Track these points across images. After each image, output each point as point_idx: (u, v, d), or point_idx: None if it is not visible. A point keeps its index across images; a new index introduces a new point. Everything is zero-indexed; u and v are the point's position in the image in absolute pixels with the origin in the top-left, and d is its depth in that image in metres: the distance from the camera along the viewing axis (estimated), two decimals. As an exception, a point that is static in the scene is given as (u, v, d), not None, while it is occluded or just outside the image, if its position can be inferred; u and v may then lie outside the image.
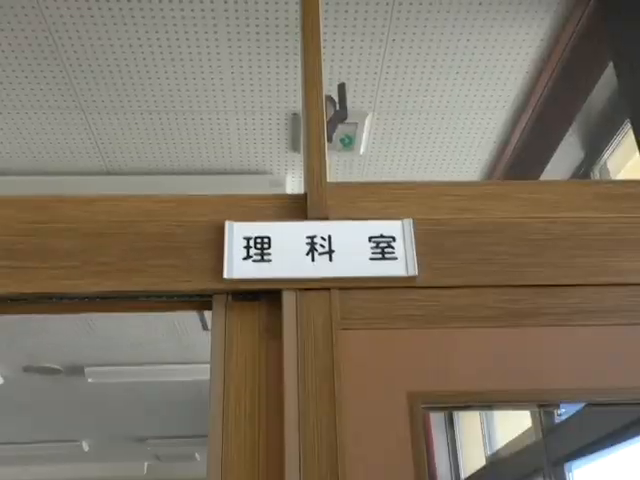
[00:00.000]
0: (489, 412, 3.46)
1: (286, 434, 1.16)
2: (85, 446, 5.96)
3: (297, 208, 1.33)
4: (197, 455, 6.57)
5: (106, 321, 3.84)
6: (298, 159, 2.88)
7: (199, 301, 1.29)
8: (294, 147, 2.82)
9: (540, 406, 1.29)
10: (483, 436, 3.50)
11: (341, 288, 1.25)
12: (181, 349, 4.26)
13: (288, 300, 1.25)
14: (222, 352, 1.25)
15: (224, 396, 1.21)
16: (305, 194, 1.35)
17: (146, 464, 6.78)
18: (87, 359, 4.33)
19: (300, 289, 1.24)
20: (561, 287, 1.29)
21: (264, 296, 1.27)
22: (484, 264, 1.30)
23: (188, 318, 3.94)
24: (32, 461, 6.43)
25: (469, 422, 3.80)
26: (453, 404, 1.20)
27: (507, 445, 3.23)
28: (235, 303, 1.27)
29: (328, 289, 1.25)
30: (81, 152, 2.76)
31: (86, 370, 4.42)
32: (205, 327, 4.07)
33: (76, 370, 4.46)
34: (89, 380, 4.50)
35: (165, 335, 4.07)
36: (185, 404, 5.19)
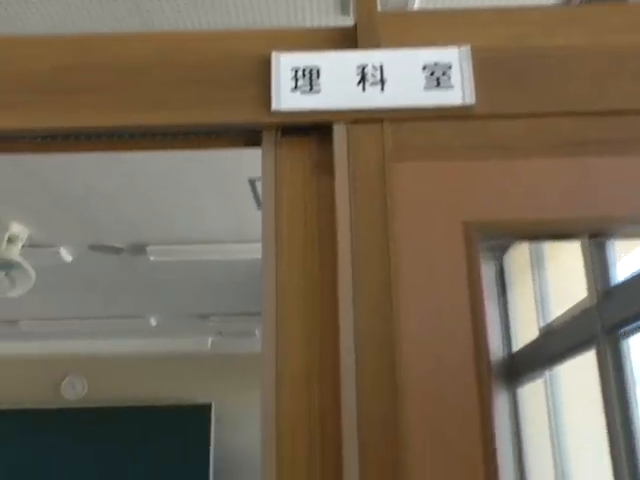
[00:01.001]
0: (544, 280, 3.43)
1: (340, 269, 1.16)
2: (152, 322, 6.28)
3: (347, 39, 1.27)
4: (257, 332, 6.85)
5: (166, 198, 3.92)
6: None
7: (248, 138, 1.27)
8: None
9: (594, 236, 1.25)
10: (536, 303, 3.48)
11: (394, 119, 1.20)
12: (238, 228, 4.35)
13: (339, 133, 1.21)
14: (272, 190, 1.23)
15: (276, 235, 1.21)
16: (355, 25, 1.28)
17: (210, 339, 7.14)
18: (148, 238, 4.48)
19: (351, 121, 1.20)
20: (629, 116, 1.21)
21: (314, 131, 1.24)
22: (545, 92, 1.22)
23: (244, 197, 3.98)
24: (103, 335, 6.86)
25: (522, 289, 3.79)
26: (510, 233, 1.17)
27: (561, 316, 3.22)
28: (284, 139, 1.25)
29: (380, 121, 1.20)
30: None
31: (148, 249, 4.58)
32: (259, 205, 4.11)
33: (138, 249, 4.62)
34: (151, 258, 4.67)
35: (222, 214, 4.14)
36: (245, 282, 5.36)
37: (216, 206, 4.06)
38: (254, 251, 4.57)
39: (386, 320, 1.13)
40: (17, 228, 4.22)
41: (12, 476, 7.29)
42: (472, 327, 1.11)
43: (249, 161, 3.46)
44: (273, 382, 1.17)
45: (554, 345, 3.49)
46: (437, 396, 1.09)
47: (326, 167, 1.23)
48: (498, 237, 1.27)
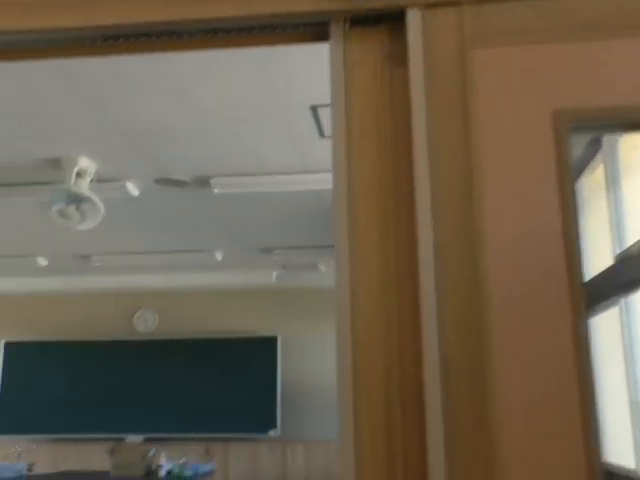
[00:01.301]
0: (619, 203, 3.25)
1: (416, 167, 1.08)
2: (218, 256, 6.38)
3: None
4: (321, 266, 6.87)
5: (229, 131, 3.88)
6: None
7: (315, 32, 1.18)
8: None
9: None
10: (610, 229, 3.33)
11: (472, 1, 1.10)
12: (302, 159, 4.28)
13: (412, 20, 1.11)
14: (342, 87, 1.16)
15: (347, 135, 1.14)
16: None
17: (274, 273, 7.22)
18: (212, 171, 4.48)
19: (426, 6, 1.10)
20: None
21: (385, 19, 1.14)
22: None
23: (307, 126, 3.90)
24: (172, 270, 7.03)
25: (595, 214, 3.62)
26: (605, 122, 1.06)
27: (638, 242, 3.06)
28: (354, 30, 1.16)
29: (458, 3, 1.10)
30: None
31: (212, 181, 4.58)
32: (322, 134, 4.02)
33: (202, 182, 4.63)
34: (215, 191, 4.68)
35: (286, 145, 4.08)
36: (309, 214, 5.33)
37: (279, 136, 4.00)
38: (318, 182, 4.52)
39: (467, 226, 1.05)
40: (85, 163, 4.28)
41: (86, 403, 7.70)
42: (562, 232, 1.02)
43: (311, 88, 3.37)
44: (348, 310, 1.08)
45: (630, 272, 3.33)
46: (524, 304, 1.02)
47: (399, 58, 1.14)
48: (591, 128, 1.16)
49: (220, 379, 7.66)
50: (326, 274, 7.27)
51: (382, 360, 1.05)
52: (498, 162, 1.06)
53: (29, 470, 6.68)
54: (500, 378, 0.99)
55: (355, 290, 1.08)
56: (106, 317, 8.08)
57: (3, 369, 7.85)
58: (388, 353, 1.06)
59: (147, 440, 7.29)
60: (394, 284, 1.08)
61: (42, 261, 6.54)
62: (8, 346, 7.92)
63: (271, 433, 7.45)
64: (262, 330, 7.82)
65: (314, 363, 7.81)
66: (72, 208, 4.30)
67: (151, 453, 6.58)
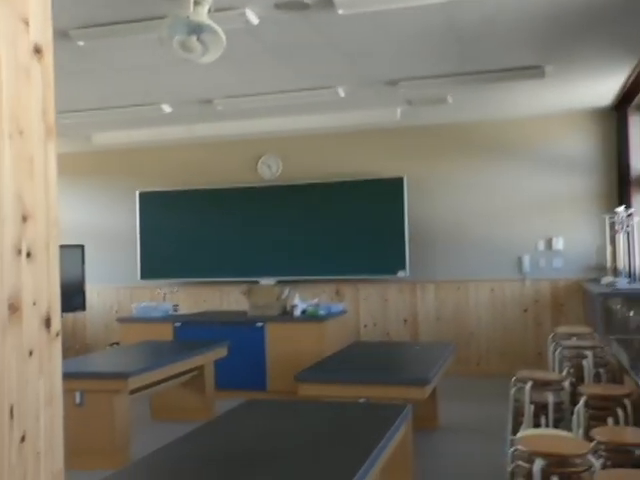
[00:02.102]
0: None
1: None
2: (341, 92, 6.09)
3: None
4: (449, 98, 6.43)
5: None
6: None
7: None
8: None
9: None
10: None
11: None
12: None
13: None
14: None
15: None
16: None
17: (399, 110, 6.87)
18: (334, -10, 4.10)
19: None
20: None
21: None
22: None
23: None
24: (295, 111, 6.85)
25: None
26: None
27: None
28: None
29: None
30: None
31: (336, 1, 4.22)
32: None
33: (326, 3, 4.28)
34: (339, 12, 4.32)
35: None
36: (436, 39, 4.88)
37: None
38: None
39: None
40: (202, -10, 4.03)
41: (220, 249, 7.99)
42: None
43: None
44: None
45: None
46: None
47: None
48: None
49: (347, 222, 7.65)
50: (455, 107, 6.83)
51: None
52: None
53: (175, 310, 7.13)
54: None
55: None
56: (231, 165, 8.16)
57: (140, 219, 8.24)
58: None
59: (279, 283, 7.54)
60: None
61: (166, 108, 6.54)
62: (142, 196, 8.26)
63: (400, 274, 7.47)
64: (388, 171, 7.63)
65: (442, 203, 7.59)
66: (193, 39, 4.12)
67: (285, 294, 6.80)
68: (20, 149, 1.10)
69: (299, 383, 4.14)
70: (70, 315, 8.44)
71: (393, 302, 7.67)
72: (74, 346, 8.55)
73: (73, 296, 7.93)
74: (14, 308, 1.07)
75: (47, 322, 1.15)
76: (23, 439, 1.07)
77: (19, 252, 1.09)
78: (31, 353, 1.10)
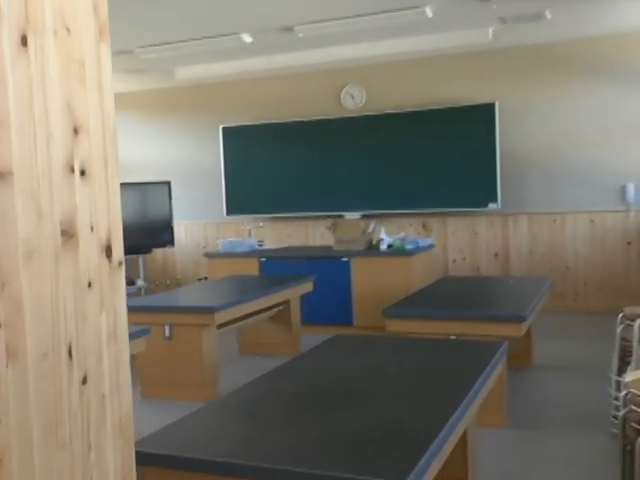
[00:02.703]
0: None
1: None
2: (428, 12, 5.67)
3: None
4: (547, 13, 5.88)
5: None
6: None
7: None
8: None
9: None
10: None
11: None
12: None
13: None
14: None
15: None
16: None
17: (490, 30, 6.37)
18: None
19: None
20: None
21: None
22: None
23: None
24: (379, 36, 6.48)
25: None
26: None
27: None
28: None
29: None
30: None
31: None
32: None
33: None
34: None
35: None
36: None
37: None
38: None
39: None
40: None
41: (303, 183, 7.85)
42: None
43: None
44: None
45: None
46: None
47: None
48: None
49: (435, 153, 7.31)
50: (554, 23, 6.25)
51: None
52: None
53: (260, 245, 7.10)
54: None
55: None
56: (314, 96, 7.91)
57: (224, 155, 8.20)
58: None
59: (365, 217, 7.34)
60: None
61: (247, 38, 6.33)
62: (226, 131, 8.18)
63: (491, 206, 7.11)
64: (478, 97, 7.17)
65: (536, 129, 7.10)
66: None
67: (371, 228, 6.61)
68: (68, 50, 0.95)
69: (387, 319, 4.00)
70: (159, 251, 8.62)
71: (483, 236, 7.34)
72: (165, 281, 8.76)
73: (162, 232, 8.06)
74: (68, 234, 0.94)
75: (108, 250, 1.02)
76: (85, 381, 0.96)
77: (71, 169, 0.95)
78: (90, 285, 0.98)
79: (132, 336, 3.64)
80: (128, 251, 8.17)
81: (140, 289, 8.16)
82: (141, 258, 8.25)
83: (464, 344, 3.17)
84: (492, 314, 3.81)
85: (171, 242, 8.10)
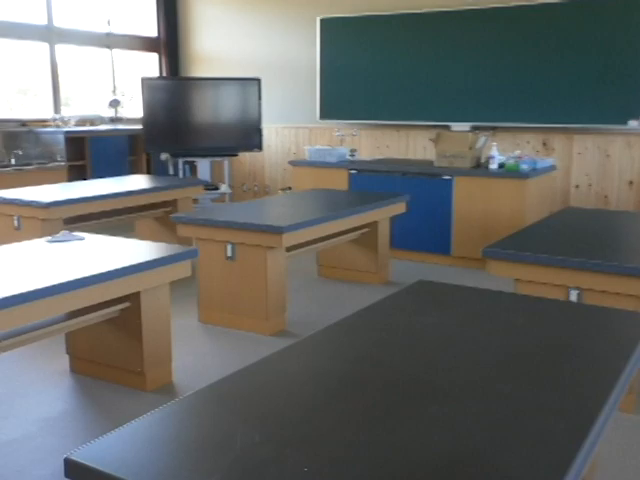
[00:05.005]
0: None
1: None
2: None
3: None
4: None
5: None
6: None
7: None
8: None
9: None
10: None
11: None
12: None
13: None
14: None
15: None
16: None
17: None
18: None
19: None
20: None
21: None
22: None
23: None
24: None
25: None
26: None
27: None
28: None
29: None
30: None
31: None
32: None
33: None
34: None
35: None
36: None
37: None
38: None
39: None
40: None
41: (409, 87, 6.87)
42: None
43: None
44: None
45: None
46: None
47: None
48: None
49: (563, 56, 6.10)
50: None
51: None
52: None
53: (351, 155, 6.32)
54: None
55: None
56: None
57: (321, 51, 7.31)
58: None
59: (474, 129, 6.33)
60: None
61: None
62: (324, 23, 7.25)
63: (631, 124, 5.91)
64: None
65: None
66: None
67: (481, 142, 5.65)
68: None
69: (488, 259, 3.18)
70: (247, 155, 8.01)
71: (617, 159, 6.18)
72: (252, 187, 8.21)
73: (250, 134, 7.42)
74: None
75: None
76: None
77: None
78: None
79: (173, 259, 3.04)
80: (212, 153, 7.66)
81: (224, 195, 7.65)
82: (227, 161, 7.69)
83: (600, 312, 2.31)
84: (630, 264, 2.89)
85: (259, 146, 7.46)
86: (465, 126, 6.49)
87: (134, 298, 2.99)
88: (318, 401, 1.58)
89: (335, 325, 2.12)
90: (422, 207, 5.45)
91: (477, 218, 5.29)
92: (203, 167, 7.53)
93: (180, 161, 7.42)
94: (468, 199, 5.34)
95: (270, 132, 7.89)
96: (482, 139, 5.64)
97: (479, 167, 5.49)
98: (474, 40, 6.49)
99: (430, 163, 5.79)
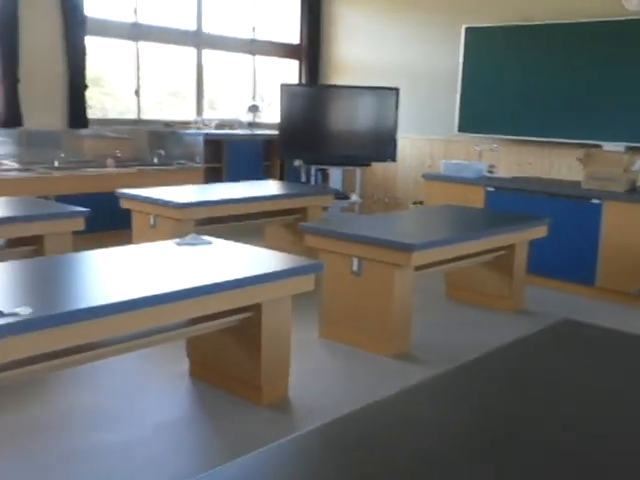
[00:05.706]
0: None
1: None
2: None
3: None
4: None
5: None
6: None
7: None
8: None
9: None
10: None
11: None
12: None
13: None
14: None
15: None
16: None
17: None
18: None
19: None
20: None
21: None
22: None
23: None
24: None
25: None
26: None
27: None
28: None
29: None
30: None
31: None
32: None
33: None
34: None
35: None
36: None
37: None
38: None
39: None
40: None
41: (557, 102, 6.41)
42: None
43: None
44: None
45: None
46: None
47: None
48: None
49: None
50: None
51: None
52: None
53: (489, 171, 5.98)
54: None
55: None
56: (585, -10, 6.30)
57: (464, 61, 7.01)
58: None
59: (630, 149, 5.78)
60: None
61: None
62: (469, 33, 6.94)
63: None
64: None
65: None
66: None
67: (637, 165, 5.14)
68: None
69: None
70: (380, 165, 7.85)
71: None
72: (383, 198, 8.04)
73: (384, 144, 7.26)
74: None
75: None
76: None
77: None
78: None
79: (297, 271, 2.93)
80: (346, 162, 7.58)
81: (354, 204, 7.53)
82: (359, 170, 7.56)
83: None
84: None
85: (393, 156, 7.28)
86: (619, 146, 5.94)
87: (255, 309, 2.91)
88: (459, 460, 1.37)
89: (472, 363, 1.88)
90: (565, 231, 5.02)
91: (630, 247, 4.79)
92: (335, 175, 7.46)
93: (313, 168, 7.39)
94: (620, 226, 4.85)
95: (404, 143, 7.68)
96: (639, 161, 5.12)
97: (634, 192, 4.99)
98: (632, 52, 5.94)
99: (577, 184, 5.34)
